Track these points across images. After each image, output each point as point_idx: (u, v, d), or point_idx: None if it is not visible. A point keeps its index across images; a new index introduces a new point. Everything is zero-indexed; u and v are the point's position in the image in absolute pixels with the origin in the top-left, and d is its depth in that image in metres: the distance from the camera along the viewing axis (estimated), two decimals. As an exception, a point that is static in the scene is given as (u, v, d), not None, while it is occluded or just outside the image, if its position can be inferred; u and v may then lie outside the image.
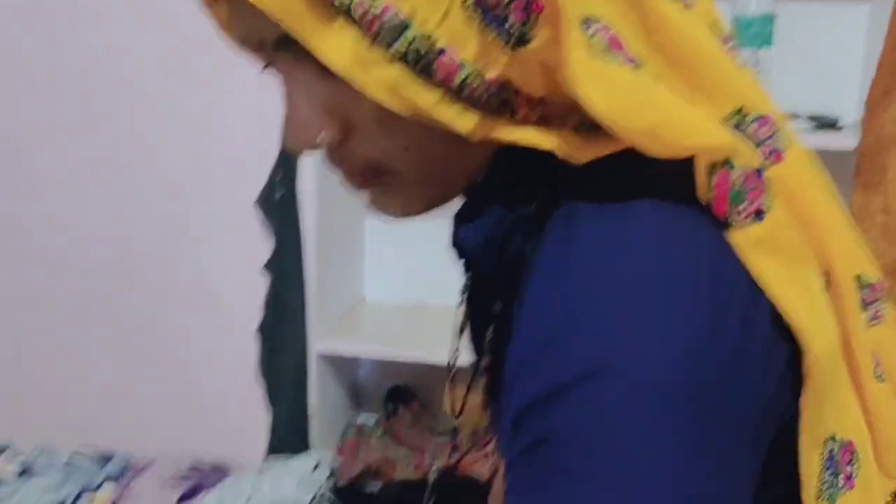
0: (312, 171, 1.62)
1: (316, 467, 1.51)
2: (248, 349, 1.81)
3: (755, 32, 1.39)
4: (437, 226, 1.89)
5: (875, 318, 0.51)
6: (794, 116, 1.52)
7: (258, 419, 1.80)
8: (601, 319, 0.41)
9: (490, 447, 1.81)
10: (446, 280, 1.88)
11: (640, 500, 0.39)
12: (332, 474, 1.54)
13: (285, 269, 1.78)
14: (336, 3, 0.42)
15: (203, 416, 1.88)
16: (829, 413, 0.46)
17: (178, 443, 1.75)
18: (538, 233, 0.46)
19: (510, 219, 0.49)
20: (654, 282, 0.41)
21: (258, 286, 1.79)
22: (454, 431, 1.85)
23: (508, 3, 0.42)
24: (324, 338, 1.70)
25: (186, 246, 1.86)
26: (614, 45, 0.42)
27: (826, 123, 1.45)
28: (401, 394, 1.93)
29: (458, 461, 1.79)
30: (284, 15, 0.41)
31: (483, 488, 1.61)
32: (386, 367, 1.95)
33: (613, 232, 0.43)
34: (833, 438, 0.46)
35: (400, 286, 1.96)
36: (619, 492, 0.39)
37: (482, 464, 1.80)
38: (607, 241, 0.43)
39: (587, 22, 0.41)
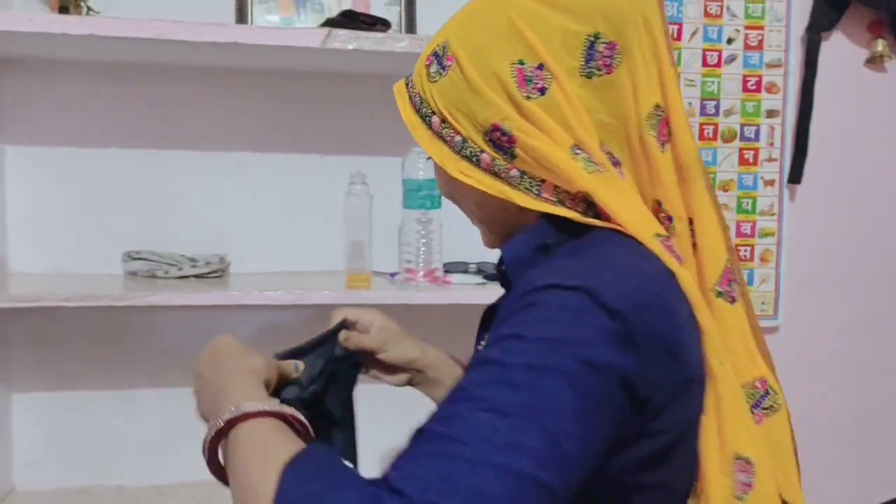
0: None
1: None
2: None
3: (425, 195, 1.47)
4: (103, 398, 1.67)
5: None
6: (465, 269, 1.62)
7: None
8: (573, 266, 0.67)
9: None
10: (114, 458, 1.69)
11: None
12: None
13: None
14: (437, 133, 0.77)
15: None
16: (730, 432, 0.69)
17: None
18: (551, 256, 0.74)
19: (538, 245, 0.75)
20: (612, 268, 0.66)
21: None
22: None
23: (497, 140, 0.73)
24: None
25: None
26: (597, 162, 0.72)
27: (492, 275, 1.55)
28: None
29: None
30: (417, 139, 0.79)
31: None
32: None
33: (601, 251, 0.69)
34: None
35: (59, 469, 1.69)
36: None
37: None
38: (589, 254, 0.69)
39: (573, 148, 0.71)
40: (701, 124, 1.63)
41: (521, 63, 0.71)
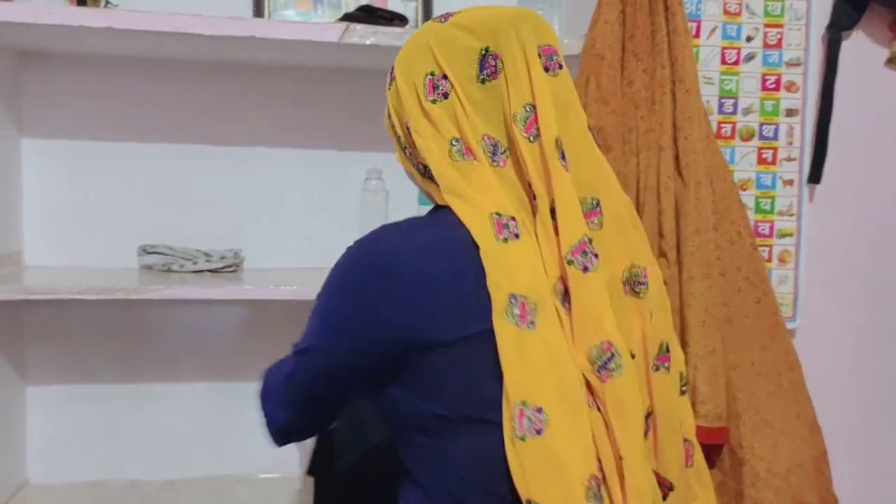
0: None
1: None
2: None
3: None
4: (116, 392, 1.68)
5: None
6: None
7: None
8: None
9: None
10: (128, 452, 1.69)
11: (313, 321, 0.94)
12: None
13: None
14: (392, 129, 0.98)
15: None
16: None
17: None
18: None
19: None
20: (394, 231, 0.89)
21: None
22: None
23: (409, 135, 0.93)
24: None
25: None
26: (468, 152, 0.89)
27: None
28: None
29: None
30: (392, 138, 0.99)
31: None
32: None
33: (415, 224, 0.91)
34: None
35: (73, 463, 1.69)
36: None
37: None
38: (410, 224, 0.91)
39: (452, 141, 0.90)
40: (719, 123, 1.62)
41: (432, 74, 0.90)
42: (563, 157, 0.85)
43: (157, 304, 1.70)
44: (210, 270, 1.62)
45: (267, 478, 1.73)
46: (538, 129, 0.86)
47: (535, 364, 0.80)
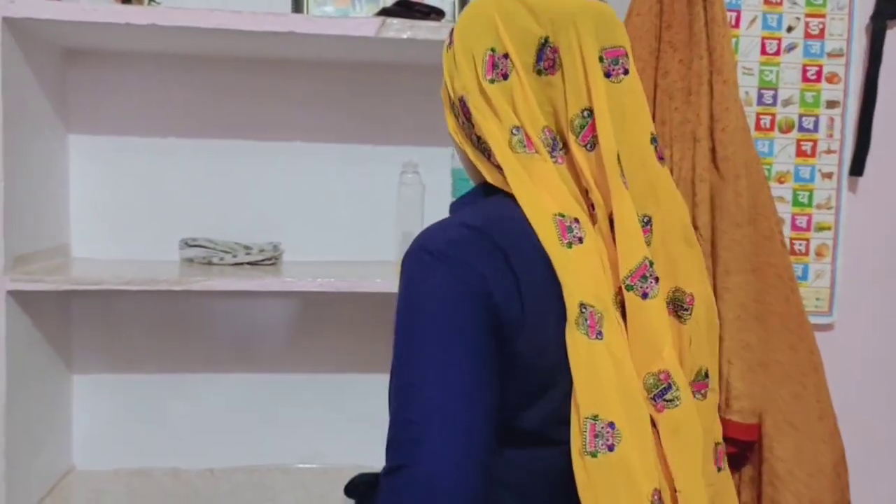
0: (3, 334, 1.40)
1: None
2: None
3: (475, 183, 1.47)
4: (158, 382, 1.71)
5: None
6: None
7: None
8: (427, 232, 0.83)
9: None
10: (171, 441, 1.73)
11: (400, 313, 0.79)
12: None
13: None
14: (453, 109, 0.91)
15: None
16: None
17: None
18: None
19: (467, 199, 0.92)
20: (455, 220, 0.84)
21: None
22: None
23: (463, 108, 0.88)
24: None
25: None
26: (529, 143, 0.84)
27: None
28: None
29: None
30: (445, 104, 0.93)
31: None
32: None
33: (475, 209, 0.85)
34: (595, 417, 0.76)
35: (117, 450, 1.74)
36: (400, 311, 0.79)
37: None
38: (471, 211, 0.85)
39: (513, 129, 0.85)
40: (758, 114, 1.60)
41: (493, 51, 0.85)
42: (623, 174, 0.81)
43: (198, 296, 1.73)
44: (249, 263, 1.65)
45: (304, 468, 1.76)
46: (595, 137, 0.81)
47: (605, 377, 0.77)
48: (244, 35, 1.42)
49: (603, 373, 0.77)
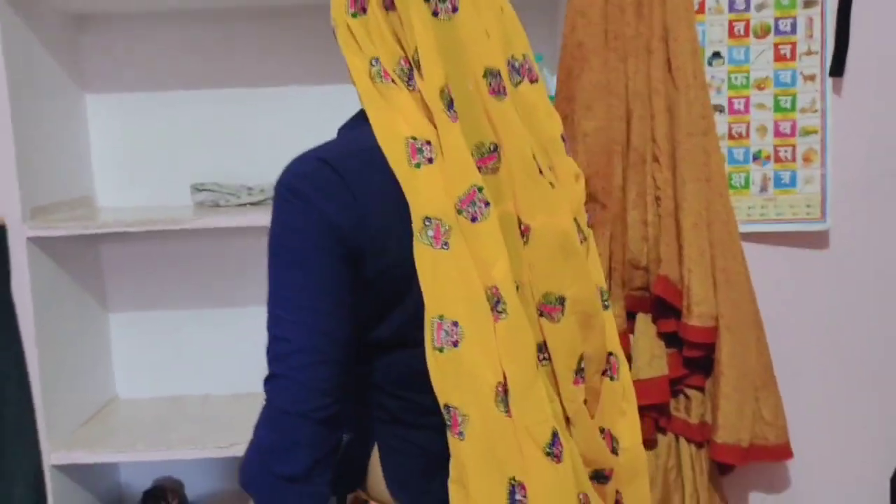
0: (27, 279, 1.58)
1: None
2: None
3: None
4: (187, 316, 1.86)
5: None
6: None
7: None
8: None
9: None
10: (200, 370, 1.90)
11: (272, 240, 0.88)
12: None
13: (4, 386, 1.66)
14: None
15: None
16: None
17: None
18: None
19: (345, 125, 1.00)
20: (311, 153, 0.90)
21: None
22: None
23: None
24: (59, 450, 1.63)
25: None
26: (385, 74, 0.89)
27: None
28: (160, 493, 1.88)
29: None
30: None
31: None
32: (145, 463, 1.90)
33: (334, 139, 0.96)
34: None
35: (152, 380, 1.92)
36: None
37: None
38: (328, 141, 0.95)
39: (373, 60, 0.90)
40: (731, 21, 1.57)
41: None
42: (451, 107, 0.86)
43: (212, 236, 1.87)
44: (252, 203, 1.77)
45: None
46: (420, 73, 0.87)
47: (448, 282, 0.84)
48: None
49: (446, 278, 0.84)
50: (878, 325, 1.72)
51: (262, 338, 1.89)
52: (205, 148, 1.85)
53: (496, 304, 0.86)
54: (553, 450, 0.87)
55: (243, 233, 1.86)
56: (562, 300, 0.90)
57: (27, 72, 1.61)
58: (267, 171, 1.83)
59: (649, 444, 1.55)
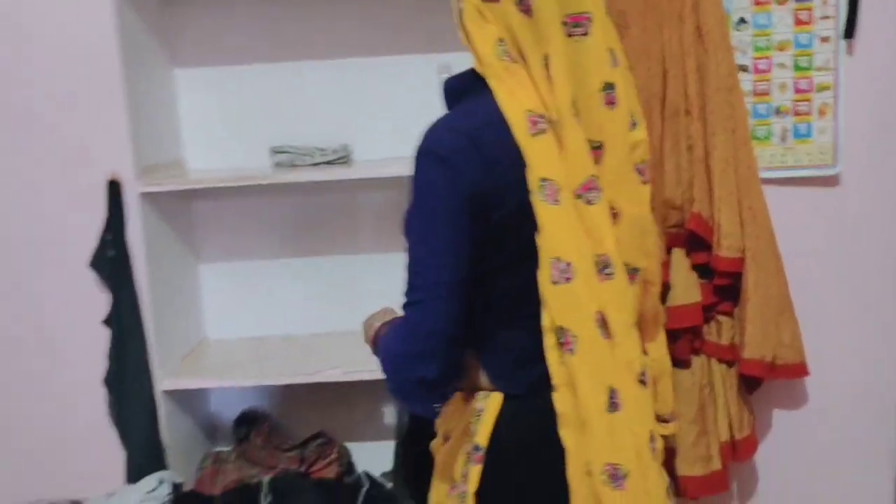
0: (140, 229, 1.82)
1: (159, 485, 1.67)
2: (100, 397, 1.96)
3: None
4: (268, 266, 2.11)
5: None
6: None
7: (115, 459, 1.95)
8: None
9: (334, 455, 2.04)
10: (281, 313, 2.14)
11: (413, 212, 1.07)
12: (175, 487, 1.71)
13: (124, 322, 1.93)
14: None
15: (63, 460, 2.01)
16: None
17: (41, 487, 1.87)
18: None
19: (458, 87, 1.14)
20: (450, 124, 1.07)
21: (100, 339, 1.95)
22: (302, 445, 2.07)
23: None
24: (168, 377, 1.88)
25: (32, 307, 2.00)
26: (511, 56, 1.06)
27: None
28: (250, 418, 2.12)
29: (307, 469, 2.01)
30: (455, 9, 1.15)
31: (322, 483, 1.82)
32: (234, 394, 2.15)
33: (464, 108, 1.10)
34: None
35: (239, 323, 2.17)
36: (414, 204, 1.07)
37: (328, 470, 2.02)
38: (459, 109, 1.11)
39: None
40: (754, -11, 1.78)
41: None
42: (576, 112, 1.04)
43: (290, 192, 2.09)
44: (325, 162, 2.00)
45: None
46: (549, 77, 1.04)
47: (562, 231, 1.04)
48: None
49: (559, 228, 1.04)
50: (882, 254, 1.93)
51: (336, 283, 2.14)
52: (281, 115, 2.08)
53: (605, 268, 1.07)
54: (643, 378, 1.11)
55: (318, 188, 2.09)
56: (636, 270, 1.14)
57: (133, 49, 1.83)
58: (336, 135, 2.06)
59: (685, 363, 1.78)
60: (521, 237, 1.07)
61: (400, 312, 1.14)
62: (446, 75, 1.88)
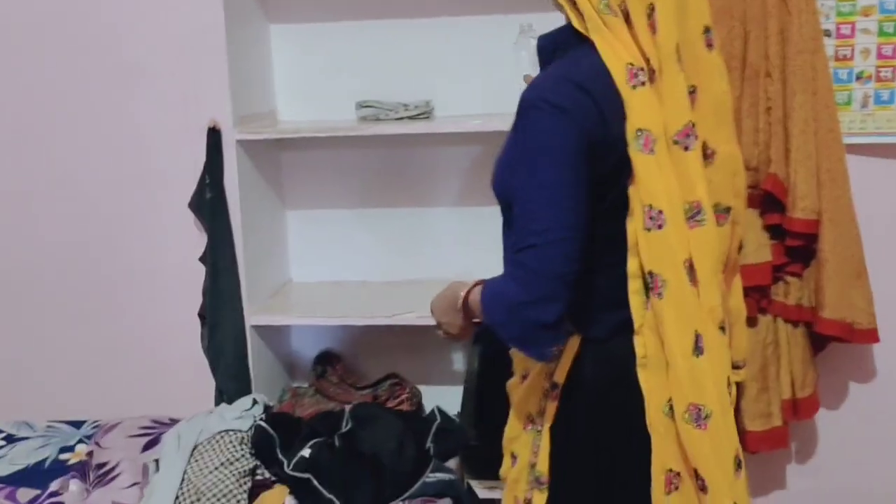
0: (235, 174, 1.95)
1: (253, 405, 1.82)
2: (194, 328, 2.12)
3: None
4: (349, 215, 2.22)
5: None
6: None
7: (207, 388, 2.10)
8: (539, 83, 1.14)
9: (405, 395, 2.15)
10: (360, 260, 2.25)
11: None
12: (266, 408, 1.85)
13: (219, 260, 2.08)
14: None
15: (159, 385, 2.18)
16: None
17: (139, 409, 2.04)
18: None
19: (556, 42, 1.20)
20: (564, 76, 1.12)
21: (199, 275, 2.10)
22: (375, 384, 2.19)
23: None
24: (257, 313, 2.02)
25: (135, 243, 2.17)
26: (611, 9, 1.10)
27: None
28: (327, 358, 2.26)
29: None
30: None
31: (399, 413, 1.94)
32: (313, 335, 2.28)
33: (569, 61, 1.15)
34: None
35: (320, 267, 2.29)
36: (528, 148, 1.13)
37: (399, 408, 2.14)
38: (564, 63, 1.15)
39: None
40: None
41: None
42: (679, 59, 1.09)
43: (374, 144, 2.19)
44: (409, 117, 2.09)
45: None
46: (653, 21, 1.09)
47: (655, 180, 1.09)
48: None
49: (652, 177, 1.10)
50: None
51: (412, 234, 2.24)
52: (367, 71, 2.17)
53: (696, 213, 1.12)
54: (723, 325, 1.17)
55: (400, 142, 2.18)
56: (727, 209, 1.19)
57: (234, 5, 1.95)
58: (419, 91, 2.15)
59: (751, 321, 1.82)
60: (617, 187, 1.12)
61: (469, 282, 1.22)
62: (529, 36, 1.95)
